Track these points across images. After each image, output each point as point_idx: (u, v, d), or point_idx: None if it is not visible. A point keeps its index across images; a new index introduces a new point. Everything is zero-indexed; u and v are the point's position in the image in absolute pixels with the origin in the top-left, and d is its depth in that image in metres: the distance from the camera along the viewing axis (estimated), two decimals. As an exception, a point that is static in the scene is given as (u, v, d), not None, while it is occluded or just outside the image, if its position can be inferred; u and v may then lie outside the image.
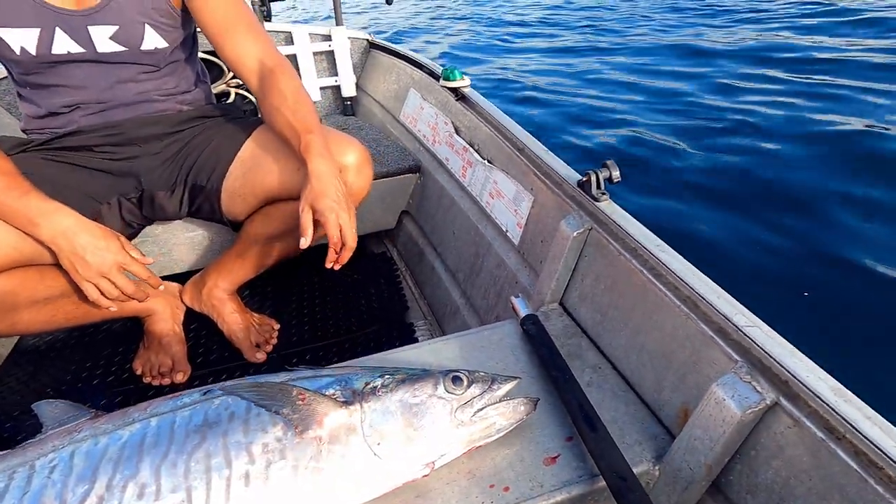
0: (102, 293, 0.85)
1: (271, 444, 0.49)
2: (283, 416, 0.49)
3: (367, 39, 1.84)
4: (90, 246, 0.83)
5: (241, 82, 1.71)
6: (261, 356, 1.16)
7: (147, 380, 1.11)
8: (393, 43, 1.76)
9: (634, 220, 0.68)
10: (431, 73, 1.41)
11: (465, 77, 1.24)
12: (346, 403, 0.52)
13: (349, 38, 1.78)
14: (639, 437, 0.59)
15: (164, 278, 1.13)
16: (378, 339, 1.20)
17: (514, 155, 0.98)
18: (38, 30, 0.88)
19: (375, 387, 0.54)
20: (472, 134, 1.17)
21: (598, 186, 0.72)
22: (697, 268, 0.58)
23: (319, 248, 1.17)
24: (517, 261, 0.95)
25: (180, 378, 1.11)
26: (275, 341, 1.20)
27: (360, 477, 0.50)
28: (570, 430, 0.60)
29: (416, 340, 1.18)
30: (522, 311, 0.75)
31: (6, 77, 0.98)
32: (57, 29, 0.89)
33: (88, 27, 0.90)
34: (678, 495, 0.53)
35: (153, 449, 0.48)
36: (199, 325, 1.22)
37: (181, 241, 1.20)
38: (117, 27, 0.92)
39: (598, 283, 0.72)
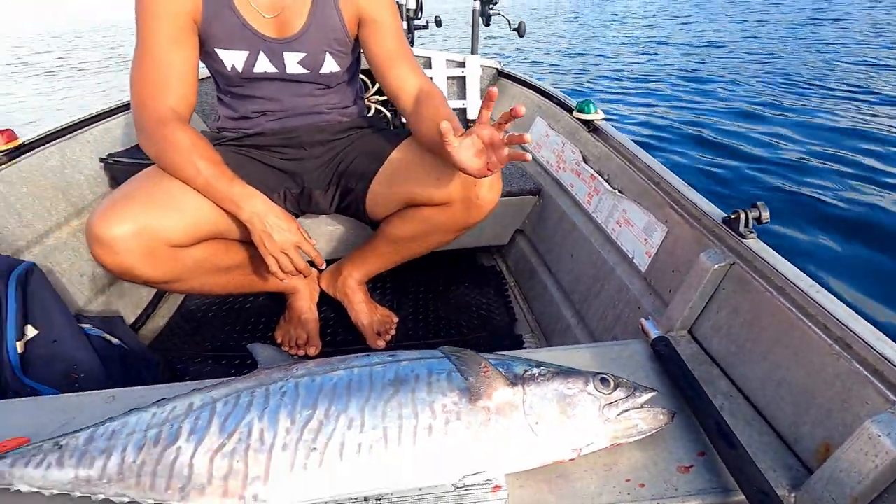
0: (280, 266, 1.01)
1: (449, 405, 0.58)
2: (465, 382, 0.58)
3: (497, 68, 1.97)
4: (276, 226, 0.99)
5: (380, 98, 1.90)
6: (381, 344, 1.28)
7: (285, 349, 1.27)
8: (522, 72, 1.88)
9: (784, 259, 0.71)
10: (561, 104, 1.50)
11: (600, 111, 1.31)
12: (512, 384, 0.60)
13: (481, 65, 1.92)
14: (772, 464, 0.61)
15: (305, 264, 1.30)
16: (488, 344, 1.29)
17: (648, 187, 1.03)
18: (247, 52, 1.07)
19: (534, 374, 0.62)
20: (601, 164, 1.24)
21: (746, 224, 0.76)
22: (853, 310, 0.61)
23: (434, 255, 1.28)
24: (642, 287, 0.99)
25: (312, 352, 1.26)
26: (393, 332, 1.32)
27: (518, 448, 0.58)
28: (703, 447, 0.64)
29: (524, 349, 1.25)
30: (653, 333, 0.80)
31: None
32: (261, 53, 1.08)
33: (284, 53, 1.09)
34: None
35: (357, 392, 0.59)
36: (329, 308, 1.37)
37: (323, 232, 1.37)
38: (305, 54, 1.10)
39: (735, 315, 0.76)
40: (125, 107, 1.59)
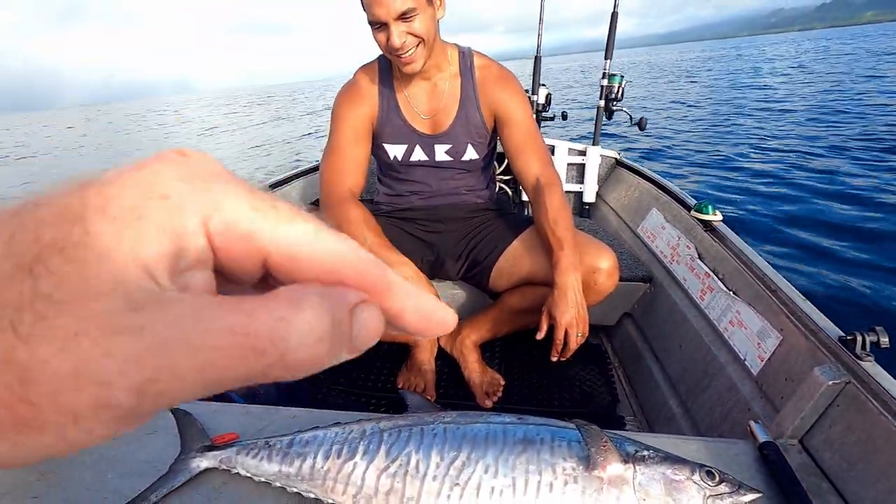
0: None
1: (568, 469, 0.70)
2: (586, 451, 0.70)
3: (616, 158, 2.11)
4: None
5: (503, 178, 2.12)
6: (488, 403, 1.41)
7: (406, 394, 1.45)
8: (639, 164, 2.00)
9: None
10: (679, 200, 1.59)
11: (718, 212, 1.39)
12: (624, 460, 0.70)
13: (601, 155, 2.08)
14: None
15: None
16: (589, 420, 1.35)
17: (763, 293, 1.08)
18: (406, 146, 1.34)
19: (644, 455, 0.72)
20: (716, 263, 1.30)
21: (863, 347, 0.80)
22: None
23: (549, 330, 1.40)
24: (753, 390, 1.03)
25: (427, 401, 1.42)
26: (500, 394, 1.44)
27: (625, 519, 0.67)
28: None
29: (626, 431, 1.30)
30: (761, 437, 0.85)
31: None
32: (417, 146, 1.34)
33: (434, 145, 1.34)
34: None
35: (493, 444, 0.73)
36: (445, 363, 1.53)
37: (446, 295, 1.55)
38: (451, 145, 1.34)
39: (848, 433, 0.79)
40: (297, 176, 1.98)
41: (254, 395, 1.12)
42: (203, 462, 0.80)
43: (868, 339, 0.79)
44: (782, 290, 1.04)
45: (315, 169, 2.03)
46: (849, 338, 0.82)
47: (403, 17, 1.10)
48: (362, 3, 1.13)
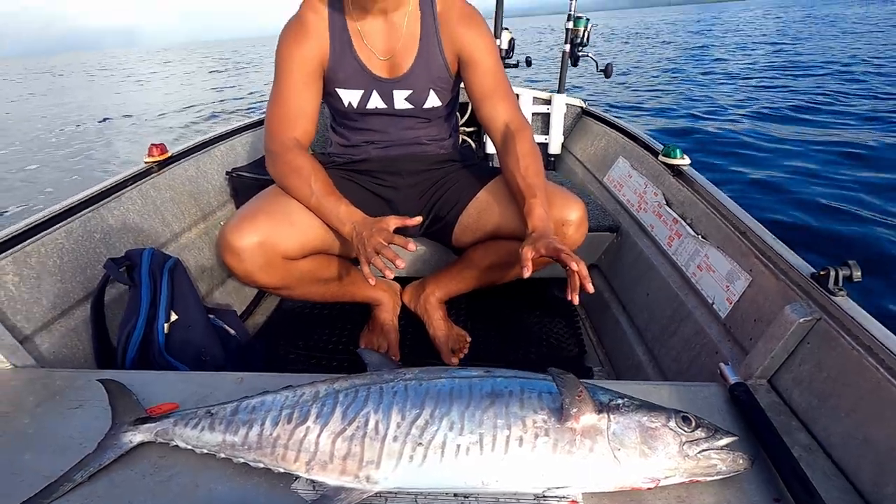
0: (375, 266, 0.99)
1: (539, 422, 0.65)
2: (561, 401, 0.65)
3: (582, 107, 2.04)
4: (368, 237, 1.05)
5: (466, 129, 2.02)
6: (454, 361, 1.36)
7: (369, 356, 1.38)
8: (605, 112, 1.94)
9: (873, 318, 0.73)
10: (647, 147, 1.54)
11: (686, 156, 1.35)
12: (598, 410, 0.66)
13: (566, 103, 2.00)
14: None
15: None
16: (557, 372, 1.33)
17: (733, 235, 1.06)
18: (362, 91, 1.21)
19: (618, 404, 0.68)
20: (684, 208, 1.27)
21: (836, 282, 0.78)
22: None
23: (511, 284, 1.35)
24: (720, 333, 1.01)
25: (392, 361, 1.36)
26: (466, 351, 1.40)
27: (599, 471, 0.63)
28: (778, 493, 0.66)
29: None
30: (732, 379, 0.83)
31: None
32: (374, 91, 1.22)
33: (393, 91, 1.22)
34: None
35: (459, 399, 0.67)
36: (409, 322, 1.47)
37: (408, 252, 1.48)
38: (411, 91, 1.22)
39: (819, 370, 0.77)
40: (246, 128, 1.82)
41: (200, 363, 1.02)
42: (136, 436, 0.71)
43: (841, 274, 0.77)
44: (752, 230, 1.01)
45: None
46: (821, 273, 0.80)
47: None
48: None
